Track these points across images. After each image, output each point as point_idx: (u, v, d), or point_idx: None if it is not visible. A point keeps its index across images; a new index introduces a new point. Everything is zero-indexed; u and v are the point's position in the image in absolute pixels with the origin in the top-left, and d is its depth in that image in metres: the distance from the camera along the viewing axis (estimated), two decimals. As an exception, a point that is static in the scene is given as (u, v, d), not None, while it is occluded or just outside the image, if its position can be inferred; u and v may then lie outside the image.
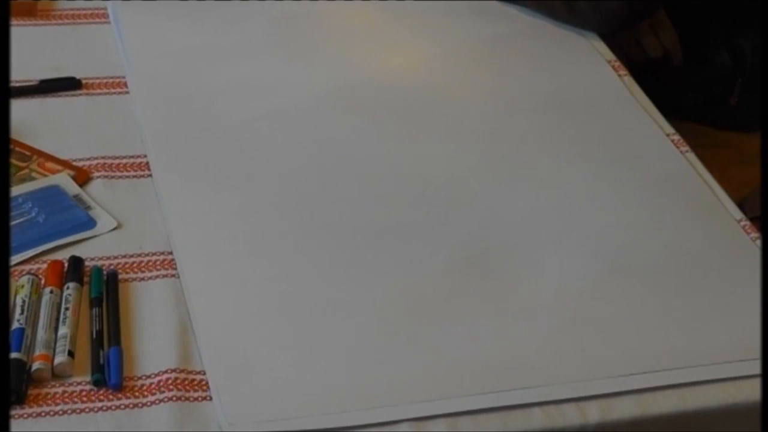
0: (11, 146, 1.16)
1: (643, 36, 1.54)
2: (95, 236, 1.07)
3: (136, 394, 0.93)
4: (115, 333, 0.97)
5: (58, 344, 0.95)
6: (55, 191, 1.12)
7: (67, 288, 1.00)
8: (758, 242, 1.13)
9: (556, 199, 1.16)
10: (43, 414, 0.90)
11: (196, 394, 0.93)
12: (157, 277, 1.04)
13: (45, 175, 1.14)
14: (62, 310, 0.98)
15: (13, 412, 0.90)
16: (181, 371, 0.94)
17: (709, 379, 0.98)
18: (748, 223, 1.15)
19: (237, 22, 1.39)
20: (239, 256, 1.06)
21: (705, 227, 1.15)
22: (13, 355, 0.93)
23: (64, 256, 1.04)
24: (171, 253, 1.06)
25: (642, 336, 1.01)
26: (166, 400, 0.92)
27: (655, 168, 1.22)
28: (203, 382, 0.94)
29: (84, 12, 1.40)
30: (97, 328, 0.97)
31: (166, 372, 0.94)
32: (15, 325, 0.95)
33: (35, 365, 0.93)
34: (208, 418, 0.91)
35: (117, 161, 1.17)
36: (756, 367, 0.98)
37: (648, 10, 1.50)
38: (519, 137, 1.25)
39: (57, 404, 0.91)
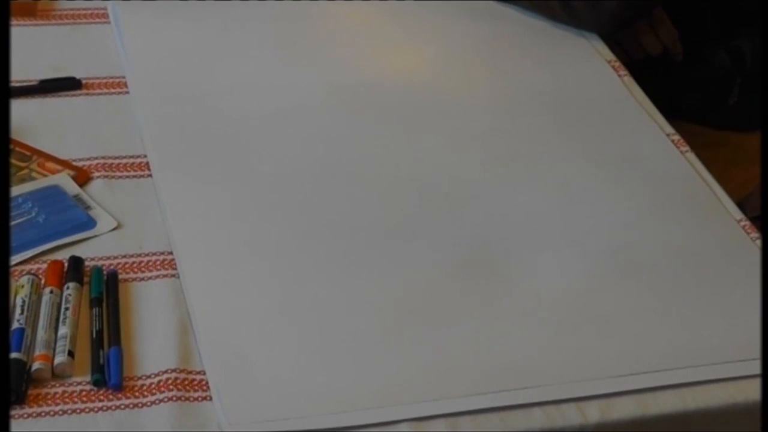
0: (11, 146, 1.16)
1: (641, 34, 1.54)
2: (95, 236, 1.07)
3: (136, 394, 0.93)
4: (115, 333, 0.97)
5: (58, 344, 0.95)
6: (55, 191, 1.12)
7: (67, 288, 1.00)
8: (758, 242, 1.13)
9: (556, 199, 1.16)
10: (43, 414, 0.90)
11: (196, 394, 0.93)
12: (157, 277, 1.04)
13: (45, 175, 1.14)
14: (62, 310, 0.98)
15: (13, 412, 0.90)
16: (181, 371, 0.94)
17: (709, 379, 0.98)
18: (748, 223, 1.15)
19: (237, 22, 1.39)
20: (239, 256, 1.06)
21: (705, 227, 1.15)
22: (13, 355, 0.93)
23: (64, 256, 1.04)
24: (171, 253, 1.06)
25: (642, 336, 1.01)
26: (166, 400, 0.92)
27: (655, 168, 1.22)
28: (203, 382, 0.94)
29: (84, 12, 1.40)
30: (97, 328, 0.97)
31: (166, 372, 0.94)
32: (15, 325, 0.95)
33: (35, 365, 0.93)
34: (208, 418, 0.91)
35: (117, 161, 1.17)
36: (756, 367, 0.98)
37: (645, 10, 1.50)
38: (519, 137, 1.25)
39: (57, 404, 0.91)
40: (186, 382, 0.94)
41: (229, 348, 0.96)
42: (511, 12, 1.46)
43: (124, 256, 1.05)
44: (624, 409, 0.95)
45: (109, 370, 0.93)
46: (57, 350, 0.94)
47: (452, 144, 1.23)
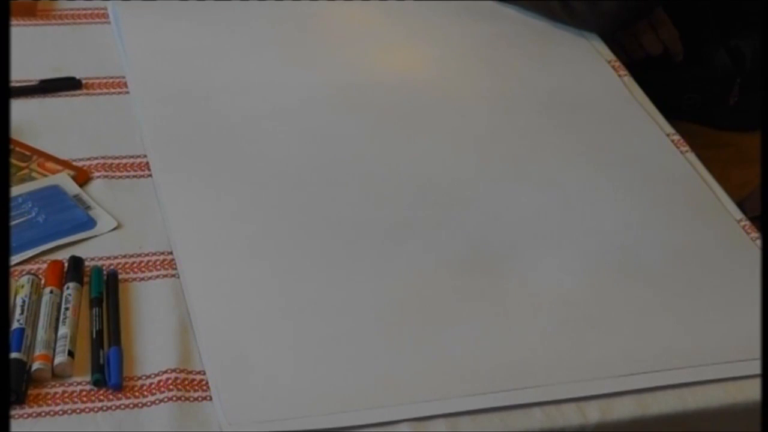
0: (11, 146, 1.16)
1: (642, 34, 1.54)
2: (95, 236, 1.07)
3: (136, 394, 0.93)
4: (115, 333, 0.97)
5: (58, 344, 0.95)
6: (55, 191, 1.12)
7: (67, 288, 1.00)
8: (758, 242, 1.13)
9: (556, 199, 1.16)
10: (43, 414, 0.90)
11: (196, 394, 0.93)
12: (157, 277, 1.04)
13: (45, 175, 1.14)
14: (62, 310, 0.98)
15: (13, 412, 0.90)
16: (181, 371, 0.94)
17: (709, 379, 0.98)
18: (748, 223, 1.15)
19: (237, 22, 1.39)
20: (239, 256, 1.06)
21: (705, 227, 1.15)
22: (13, 355, 0.93)
23: (64, 256, 1.04)
24: (171, 253, 1.06)
25: (642, 336, 1.01)
26: (166, 400, 0.92)
27: (655, 168, 1.22)
28: (203, 382, 0.94)
29: (84, 12, 1.40)
30: (97, 328, 0.97)
31: (166, 372, 0.94)
32: (15, 325, 0.95)
33: (35, 365, 0.93)
34: (208, 418, 0.91)
35: (117, 161, 1.17)
36: (756, 367, 0.98)
37: (645, 10, 1.50)
38: (519, 137, 1.25)
39: (57, 404, 0.91)
40: (186, 382, 0.94)
41: (229, 348, 0.96)
42: (511, 12, 1.46)
43: (124, 256, 1.05)
44: (624, 409, 0.95)
45: (109, 370, 0.93)
46: (57, 350, 0.94)
47: (452, 144, 1.23)
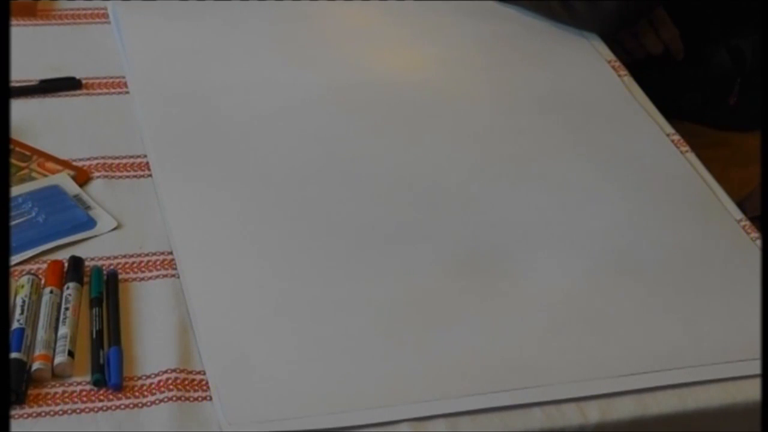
0: (11, 146, 1.16)
1: (642, 33, 1.54)
2: (95, 236, 1.07)
3: (136, 394, 0.93)
4: (115, 333, 0.97)
5: (58, 344, 0.95)
6: (55, 191, 1.12)
7: (67, 288, 1.00)
8: (758, 242, 1.13)
9: (556, 199, 1.16)
10: (43, 414, 0.90)
11: (196, 394, 0.93)
12: (157, 277, 1.04)
13: (45, 175, 1.14)
14: (62, 310, 0.98)
15: (13, 412, 0.90)
16: (181, 371, 0.94)
17: (709, 379, 0.98)
18: (748, 223, 1.15)
19: (237, 22, 1.39)
20: (239, 256, 1.06)
21: (705, 227, 1.15)
22: (13, 355, 0.93)
23: (64, 256, 1.04)
24: (171, 253, 1.06)
25: (642, 336, 1.01)
26: (166, 400, 0.92)
27: (655, 168, 1.22)
28: (203, 382, 0.94)
29: (84, 12, 1.40)
30: (97, 328, 0.97)
31: (166, 372, 0.94)
32: (15, 325, 0.95)
33: (35, 365, 0.93)
34: (208, 418, 0.91)
35: (117, 161, 1.17)
36: (756, 367, 0.98)
37: (645, 10, 1.50)
38: (519, 137, 1.25)
39: (57, 404, 0.91)
40: (186, 382, 0.94)
41: (229, 348, 0.96)
42: (511, 12, 1.46)
43: (124, 256, 1.05)
44: (624, 409, 0.95)
45: (109, 370, 0.93)
46: (57, 350, 0.94)
47: (452, 144, 1.23)
